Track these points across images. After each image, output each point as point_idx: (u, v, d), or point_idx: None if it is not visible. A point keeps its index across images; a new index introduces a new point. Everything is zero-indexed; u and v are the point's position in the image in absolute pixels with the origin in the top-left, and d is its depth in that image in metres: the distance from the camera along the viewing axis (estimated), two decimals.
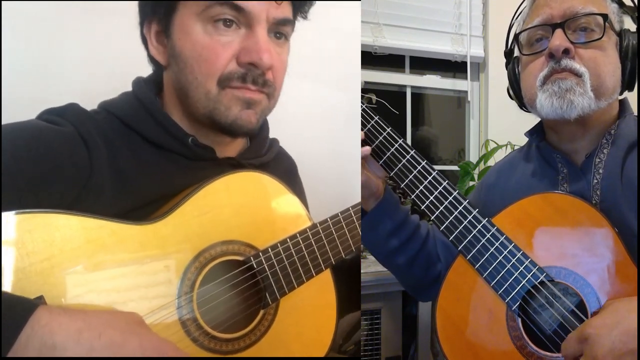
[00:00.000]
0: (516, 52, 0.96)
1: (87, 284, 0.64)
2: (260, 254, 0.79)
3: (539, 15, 0.87)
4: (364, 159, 0.90)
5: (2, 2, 0.99)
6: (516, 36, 0.92)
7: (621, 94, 0.89)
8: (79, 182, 0.70)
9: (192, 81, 0.77)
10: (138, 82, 0.85)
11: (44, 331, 0.54)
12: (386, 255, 1.00)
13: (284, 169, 1.02)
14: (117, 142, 0.77)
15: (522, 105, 0.96)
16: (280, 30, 0.81)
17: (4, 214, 0.60)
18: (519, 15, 0.95)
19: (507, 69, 0.98)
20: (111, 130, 0.77)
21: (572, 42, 0.83)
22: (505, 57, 0.99)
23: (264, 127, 0.96)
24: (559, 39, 0.82)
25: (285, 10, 0.80)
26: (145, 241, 0.70)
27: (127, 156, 0.76)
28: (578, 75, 0.82)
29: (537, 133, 0.95)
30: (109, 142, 0.75)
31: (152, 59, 0.84)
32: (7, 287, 0.59)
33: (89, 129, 0.74)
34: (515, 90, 0.96)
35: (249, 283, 0.79)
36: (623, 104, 0.91)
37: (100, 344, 0.56)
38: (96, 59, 1.13)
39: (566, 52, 0.82)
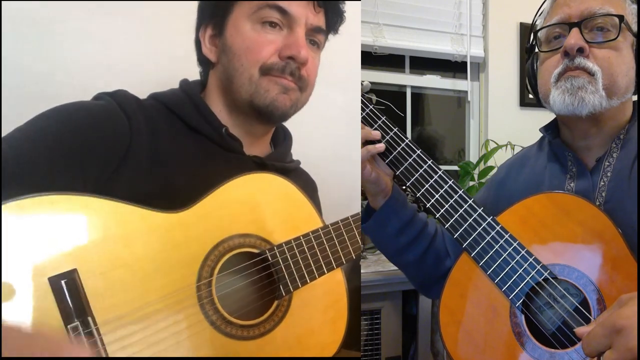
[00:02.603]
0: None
1: (116, 260, 0.69)
2: (275, 248, 0.84)
3: (557, 14, 0.89)
4: (373, 156, 0.92)
5: (2, 2, 0.99)
6: (535, 33, 0.94)
7: (636, 93, 0.89)
8: (120, 151, 0.78)
9: (238, 68, 0.88)
10: (185, 80, 0.96)
11: None
12: (395, 252, 1.01)
13: (304, 184, 1.06)
14: (161, 123, 0.85)
15: (538, 100, 0.97)
16: (314, 37, 0.92)
17: (45, 196, 0.66)
18: (541, 13, 0.96)
19: (526, 63, 0.99)
20: (156, 113, 0.86)
21: (588, 42, 0.84)
22: (526, 52, 1.00)
23: (287, 137, 1.06)
24: (574, 38, 0.84)
25: (321, 21, 0.93)
26: (170, 227, 0.75)
27: (167, 136, 0.84)
28: (591, 73, 0.84)
29: (551, 129, 0.97)
30: (151, 120, 0.84)
31: (201, 61, 0.96)
32: (43, 262, 0.65)
33: (133, 107, 0.83)
34: (533, 86, 0.97)
35: (263, 274, 0.83)
36: (634, 106, 0.92)
37: None
38: (96, 59, 1.13)
39: (580, 50, 0.84)
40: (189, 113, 0.89)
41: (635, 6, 0.88)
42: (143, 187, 0.78)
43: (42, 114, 0.78)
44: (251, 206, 0.84)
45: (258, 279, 0.83)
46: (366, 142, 0.92)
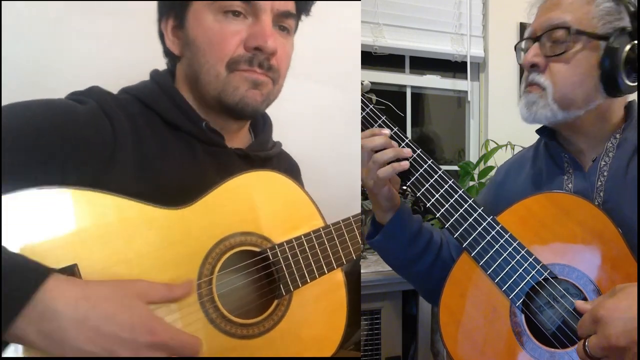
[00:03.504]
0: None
1: (117, 256, 0.69)
2: (276, 246, 0.83)
3: (530, 27, 0.90)
4: (388, 178, 0.89)
5: (2, 2, 0.99)
6: (517, 46, 0.95)
7: (613, 96, 0.86)
8: (105, 155, 0.75)
9: (203, 64, 0.83)
10: (156, 71, 0.91)
11: (48, 296, 0.58)
12: (404, 264, 1.00)
13: (286, 168, 1.06)
14: (139, 120, 0.81)
15: None
16: (283, 22, 0.87)
17: (44, 190, 0.65)
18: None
19: None
20: (133, 109, 0.83)
21: (548, 55, 0.85)
22: None
23: (267, 124, 1.02)
24: (530, 54, 0.87)
25: (289, 5, 0.87)
26: (171, 224, 0.75)
27: (149, 134, 0.81)
28: (542, 88, 0.86)
29: (547, 131, 0.96)
30: (131, 119, 0.80)
31: (167, 53, 0.91)
32: (43, 256, 0.63)
33: (112, 106, 0.80)
34: None
35: (264, 273, 0.83)
36: (629, 108, 0.91)
37: (95, 314, 0.60)
38: (96, 59, 1.13)
39: (535, 66, 0.86)
40: (166, 108, 0.85)
41: (608, 4, 0.85)
42: (131, 188, 0.74)
43: (23, 104, 0.74)
44: (253, 204, 0.84)
45: (258, 278, 0.83)
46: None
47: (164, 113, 0.85)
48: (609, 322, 0.65)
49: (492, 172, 1.75)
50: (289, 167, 1.08)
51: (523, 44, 0.93)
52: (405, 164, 0.87)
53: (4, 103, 0.97)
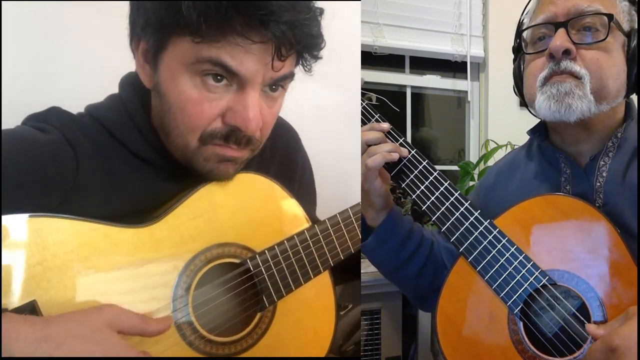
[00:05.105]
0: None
1: (80, 288, 0.63)
2: (257, 256, 0.79)
3: (543, 13, 0.84)
4: (378, 168, 0.86)
5: (2, 2, 0.99)
6: (521, 33, 0.90)
7: (627, 97, 0.86)
8: (65, 184, 0.69)
9: (174, 127, 0.74)
10: (124, 86, 0.81)
11: (3, 342, 0.51)
12: (396, 267, 0.96)
13: (284, 144, 1.00)
14: (106, 147, 0.75)
15: (525, 104, 0.93)
16: (277, 83, 0.76)
17: None
18: (527, 11, 0.92)
19: (513, 64, 0.95)
20: (98, 135, 0.75)
21: (575, 43, 0.80)
22: (513, 52, 0.95)
23: None
24: (560, 39, 0.80)
25: (286, 69, 0.74)
26: (139, 244, 0.69)
27: (116, 159, 0.75)
28: (578, 77, 0.79)
29: (539, 132, 0.93)
30: (96, 145, 0.74)
31: None
32: None
33: (74, 131, 0.73)
34: (520, 88, 0.93)
35: (245, 285, 0.78)
36: (629, 106, 0.88)
37: (61, 354, 0.53)
38: (97, 60, 1.13)
39: (567, 52, 0.80)
40: (135, 143, 0.76)
41: (625, 3, 0.84)
42: (99, 212, 0.69)
43: None
44: (230, 211, 0.78)
45: (240, 291, 0.78)
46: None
47: (131, 147, 0.76)
48: (626, 352, 0.62)
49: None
50: (286, 142, 1.00)
51: (529, 31, 0.87)
52: (395, 155, 0.85)
53: (4, 103, 0.97)
